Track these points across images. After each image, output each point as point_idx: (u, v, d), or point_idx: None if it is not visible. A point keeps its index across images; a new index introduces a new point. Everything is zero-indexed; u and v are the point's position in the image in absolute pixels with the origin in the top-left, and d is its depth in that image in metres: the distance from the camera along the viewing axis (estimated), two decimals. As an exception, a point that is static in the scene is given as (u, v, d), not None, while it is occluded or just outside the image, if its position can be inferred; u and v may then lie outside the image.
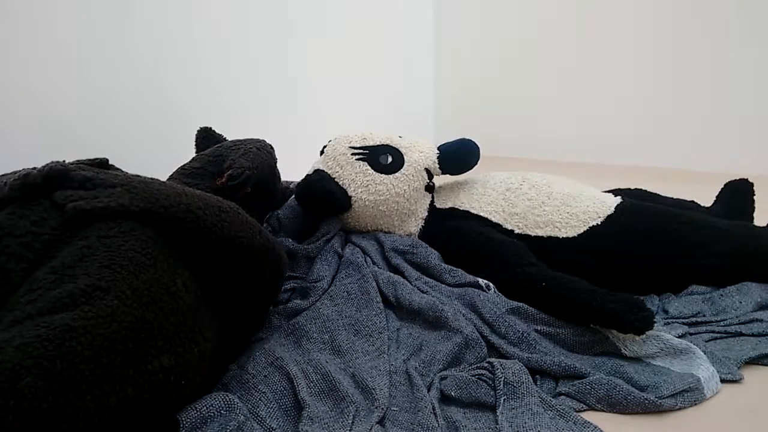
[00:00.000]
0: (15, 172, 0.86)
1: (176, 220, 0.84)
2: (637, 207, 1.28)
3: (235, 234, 0.89)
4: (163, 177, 1.18)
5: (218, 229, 0.87)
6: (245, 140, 1.25)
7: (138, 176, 0.91)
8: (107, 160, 0.98)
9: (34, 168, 0.85)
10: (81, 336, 0.65)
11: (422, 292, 1.15)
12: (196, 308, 0.81)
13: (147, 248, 0.79)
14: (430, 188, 1.36)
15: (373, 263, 1.23)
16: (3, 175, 0.87)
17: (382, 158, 1.30)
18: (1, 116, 1.32)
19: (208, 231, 0.86)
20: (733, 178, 1.47)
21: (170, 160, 1.27)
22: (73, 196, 0.81)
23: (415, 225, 1.34)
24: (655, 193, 1.47)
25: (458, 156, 1.34)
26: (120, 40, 1.55)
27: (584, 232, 1.24)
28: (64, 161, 0.89)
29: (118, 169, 1.00)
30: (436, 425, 0.84)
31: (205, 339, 0.81)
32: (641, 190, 1.48)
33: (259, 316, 1.05)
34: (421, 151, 1.34)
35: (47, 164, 0.84)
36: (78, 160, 0.94)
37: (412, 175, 1.31)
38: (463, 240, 1.24)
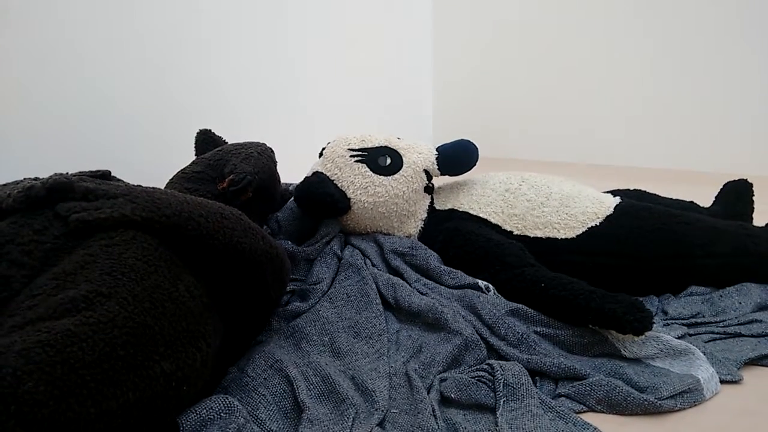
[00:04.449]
0: (18, 182, 0.86)
1: (178, 227, 0.85)
2: (636, 207, 1.28)
3: (238, 240, 0.89)
4: (163, 179, 1.19)
5: (221, 235, 0.87)
6: (246, 144, 1.25)
7: (139, 186, 0.91)
8: (109, 172, 0.99)
9: (37, 179, 0.85)
10: (82, 341, 0.65)
11: (422, 294, 1.15)
12: (201, 314, 0.82)
13: (148, 255, 0.79)
14: (429, 189, 1.36)
15: (373, 265, 1.23)
16: (5, 185, 0.87)
17: (381, 160, 1.30)
18: (2, 118, 1.32)
19: (210, 238, 0.86)
20: (732, 179, 1.47)
21: (170, 162, 1.27)
22: (75, 208, 0.82)
23: (414, 226, 1.34)
24: (654, 194, 1.47)
25: (457, 157, 1.34)
26: (120, 42, 1.55)
27: (583, 233, 1.25)
28: (67, 173, 0.89)
29: (119, 180, 1.00)
30: (436, 427, 0.84)
31: (208, 345, 0.81)
32: (640, 190, 1.49)
33: (261, 321, 1.06)
34: (419, 152, 1.34)
35: (50, 176, 0.85)
36: (80, 172, 0.94)
37: (411, 177, 1.31)
38: (462, 241, 1.25)
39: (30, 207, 0.81)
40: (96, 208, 0.82)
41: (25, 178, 0.88)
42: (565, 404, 0.91)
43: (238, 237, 0.89)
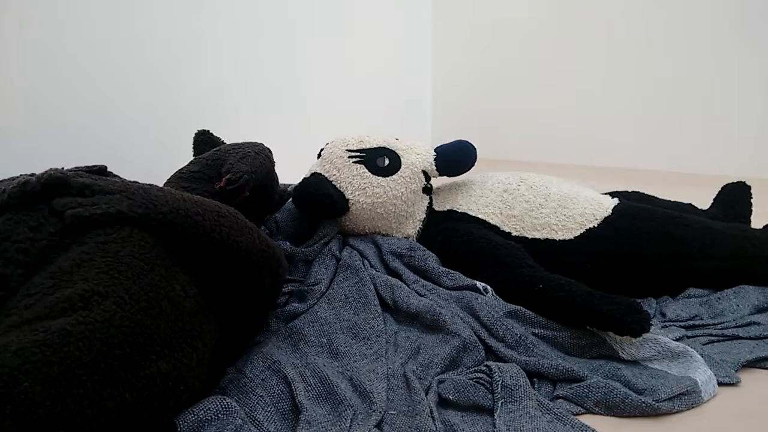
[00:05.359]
0: (13, 178, 0.86)
1: (175, 225, 0.84)
2: (634, 209, 1.28)
3: (234, 239, 0.89)
4: (161, 180, 1.18)
5: (217, 234, 0.87)
6: (243, 144, 1.25)
7: (136, 183, 0.91)
8: (105, 167, 0.98)
9: (33, 174, 0.85)
10: (79, 341, 0.65)
11: (420, 295, 1.15)
12: (196, 313, 0.81)
13: (145, 253, 0.79)
14: (427, 190, 1.36)
15: (371, 266, 1.23)
16: (1, 181, 0.87)
17: (379, 161, 1.30)
18: (2, 118, 1.32)
19: (206, 236, 0.86)
20: (731, 181, 1.47)
21: (168, 163, 1.27)
22: (71, 204, 0.81)
23: (413, 227, 1.34)
24: (653, 196, 1.47)
25: (455, 157, 1.34)
26: (119, 42, 1.55)
27: (581, 234, 1.25)
28: (62, 168, 0.89)
29: (116, 176, 1.00)
30: (434, 429, 0.84)
31: (204, 344, 0.81)
32: (639, 192, 1.49)
33: (258, 321, 1.05)
34: (417, 153, 1.34)
35: (46, 171, 0.84)
36: (76, 167, 0.94)
37: (409, 177, 1.31)
38: (460, 242, 1.25)
39: (25, 202, 0.81)
40: (92, 204, 0.82)
41: (21, 175, 0.87)
42: (563, 406, 0.91)
43: (234, 235, 0.89)
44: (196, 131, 1.40)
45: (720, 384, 0.96)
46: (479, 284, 1.15)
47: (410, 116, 2.96)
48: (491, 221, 1.29)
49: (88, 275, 0.72)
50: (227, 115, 1.85)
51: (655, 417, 0.89)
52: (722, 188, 1.48)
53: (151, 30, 1.64)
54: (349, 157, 1.30)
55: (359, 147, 1.32)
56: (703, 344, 1.07)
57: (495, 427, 0.85)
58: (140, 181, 0.96)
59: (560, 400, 0.92)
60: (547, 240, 1.26)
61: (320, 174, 1.30)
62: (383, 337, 1.05)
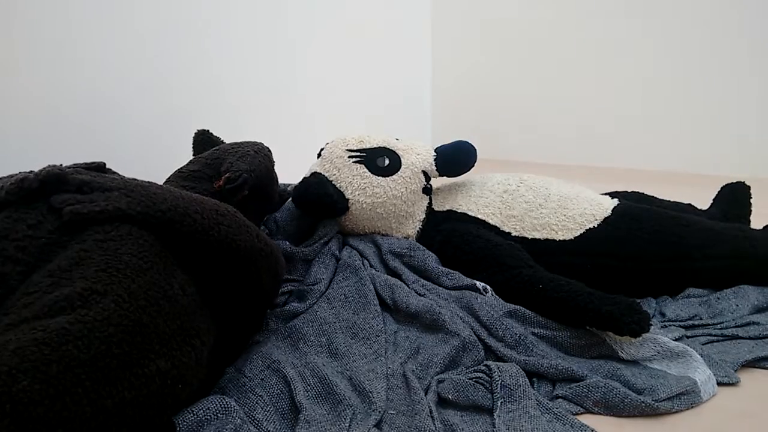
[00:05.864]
0: (12, 176, 0.85)
1: (173, 223, 0.84)
2: (633, 209, 1.28)
3: (233, 237, 0.88)
4: (161, 179, 1.18)
5: (215, 232, 0.87)
6: (243, 143, 1.25)
7: (135, 180, 0.91)
8: (104, 164, 0.98)
9: (31, 172, 0.85)
10: (78, 340, 0.65)
11: (420, 295, 1.15)
12: (194, 312, 0.81)
13: (144, 252, 0.79)
14: (427, 190, 1.36)
15: (371, 266, 1.23)
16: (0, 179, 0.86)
17: (379, 161, 1.30)
18: (0, 117, 1.32)
19: (205, 234, 0.86)
20: (730, 181, 1.47)
21: (168, 163, 1.27)
22: (70, 200, 0.81)
23: (412, 227, 1.34)
24: (652, 196, 1.48)
25: (455, 158, 1.34)
26: (119, 40, 1.55)
27: (581, 234, 1.25)
28: (61, 165, 0.89)
29: (115, 173, 0.99)
30: (434, 428, 0.84)
31: (203, 343, 0.81)
32: (638, 192, 1.49)
33: (256, 320, 1.05)
34: (417, 153, 1.34)
35: (44, 168, 0.84)
36: (75, 164, 0.94)
37: (409, 178, 1.31)
38: (460, 242, 1.25)
39: (23, 199, 0.81)
40: (90, 201, 0.82)
41: (19, 172, 0.87)
42: (563, 406, 0.91)
43: (233, 234, 0.89)
44: (196, 131, 1.40)
45: (719, 384, 0.96)
46: (479, 284, 1.15)
47: (410, 116, 2.96)
48: (491, 221, 1.29)
49: (87, 273, 0.72)
50: (227, 115, 1.86)
51: (655, 417, 0.89)
52: (722, 188, 1.48)
53: (152, 29, 1.64)
54: (349, 156, 1.30)
55: (359, 147, 1.32)
56: (703, 344, 1.07)
57: (494, 427, 0.85)
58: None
59: (559, 400, 0.92)
60: (547, 240, 1.26)
61: (320, 174, 1.30)
62: (383, 336, 1.05)
